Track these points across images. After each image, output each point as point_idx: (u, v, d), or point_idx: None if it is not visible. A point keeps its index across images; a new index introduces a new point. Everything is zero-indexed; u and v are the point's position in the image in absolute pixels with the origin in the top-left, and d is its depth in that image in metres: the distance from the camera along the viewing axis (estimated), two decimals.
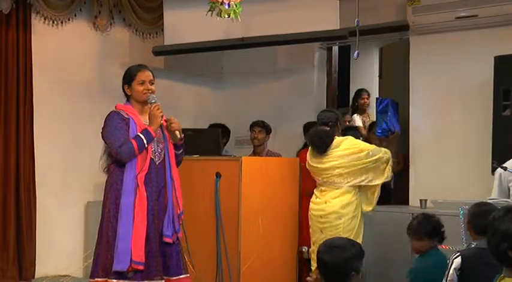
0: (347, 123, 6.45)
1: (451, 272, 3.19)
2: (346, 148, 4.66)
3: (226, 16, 4.85)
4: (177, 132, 3.76)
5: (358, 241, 3.79)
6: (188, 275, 3.80)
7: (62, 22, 6.00)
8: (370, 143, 5.65)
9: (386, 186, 4.90)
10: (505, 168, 4.04)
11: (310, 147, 4.83)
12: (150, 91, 3.73)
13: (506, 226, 2.25)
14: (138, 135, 3.61)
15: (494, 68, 5.00)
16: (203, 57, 6.88)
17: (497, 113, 4.98)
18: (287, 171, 5.14)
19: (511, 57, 4.90)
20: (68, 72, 6.07)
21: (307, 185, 5.04)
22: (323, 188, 4.70)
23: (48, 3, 5.83)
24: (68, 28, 6.06)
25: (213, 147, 5.28)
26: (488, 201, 3.80)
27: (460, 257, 3.20)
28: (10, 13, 5.58)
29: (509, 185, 4.11)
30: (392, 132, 5.54)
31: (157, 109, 3.68)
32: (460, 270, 3.19)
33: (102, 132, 3.71)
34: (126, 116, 3.69)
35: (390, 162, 4.66)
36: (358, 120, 6.98)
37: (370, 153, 4.60)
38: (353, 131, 5.61)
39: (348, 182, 4.60)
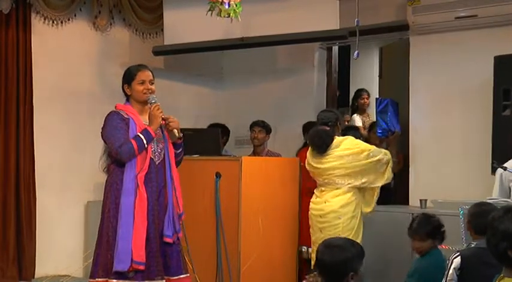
0: (346, 123, 6.44)
1: (450, 271, 3.20)
2: (346, 148, 4.66)
3: (226, 16, 4.85)
4: (175, 131, 3.75)
5: (357, 241, 3.79)
6: (188, 274, 3.80)
7: (62, 22, 6.00)
8: (370, 143, 5.66)
9: (386, 186, 4.90)
10: (505, 168, 4.04)
11: (310, 147, 4.83)
12: (150, 91, 3.73)
13: (505, 226, 2.25)
14: (138, 135, 3.60)
15: (494, 68, 5.00)
16: (203, 57, 6.88)
17: (497, 113, 4.98)
18: (287, 171, 5.14)
19: (511, 57, 4.90)
20: (68, 72, 6.07)
21: (307, 184, 5.04)
22: (323, 188, 4.70)
23: (48, 3, 5.83)
24: (68, 28, 6.06)
25: (213, 147, 5.28)
26: (488, 201, 3.80)
27: (459, 256, 3.20)
28: (10, 13, 5.58)
29: (510, 184, 4.12)
30: (393, 132, 5.53)
31: (158, 109, 3.67)
32: (460, 270, 3.19)
33: (101, 132, 3.70)
34: (125, 116, 3.69)
35: (390, 164, 4.66)
36: (358, 120, 6.98)
37: (371, 154, 4.60)
38: (353, 131, 5.60)
39: (349, 184, 4.60)
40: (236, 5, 4.84)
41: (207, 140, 5.37)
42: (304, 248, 5.17)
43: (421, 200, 5.40)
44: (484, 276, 2.73)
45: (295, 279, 5.16)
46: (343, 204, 4.57)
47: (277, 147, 6.26)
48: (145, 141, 3.60)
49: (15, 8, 5.61)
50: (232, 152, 6.33)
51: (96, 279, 3.60)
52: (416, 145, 5.82)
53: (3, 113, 5.61)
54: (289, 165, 5.22)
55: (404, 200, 5.78)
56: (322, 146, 4.68)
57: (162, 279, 3.63)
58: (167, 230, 3.67)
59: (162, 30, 6.45)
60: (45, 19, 5.89)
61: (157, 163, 3.69)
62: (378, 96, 6.34)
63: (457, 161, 5.55)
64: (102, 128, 3.70)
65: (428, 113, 5.78)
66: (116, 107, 3.77)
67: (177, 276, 3.71)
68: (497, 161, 4.22)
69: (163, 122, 3.73)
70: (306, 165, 4.83)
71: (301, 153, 5.49)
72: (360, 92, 7.22)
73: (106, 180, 3.72)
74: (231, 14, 4.85)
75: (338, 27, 5.58)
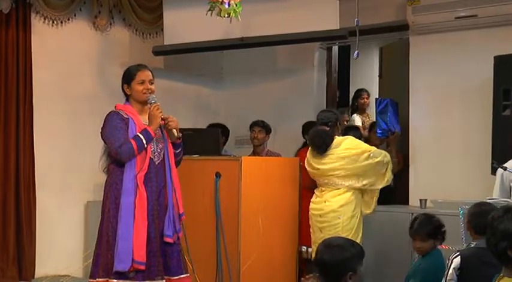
0: (345, 123, 6.45)
1: (450, 271, 3.20)
2: (346, 148, 4.66)
3: (226, 16, 4.85)
4: (175, 131, 3.75)
5: (357, 241, 3.79)
6: (188, 274, 3.80)
7: (61, 22, 6.00)
8: (371, 143, 5.66)
9: (386, 186, 4.90)
10: (505, 168, 4.04)
11: (310, 148, 4.83)
12: (149, 91, 3.72)
13: (505, 225, 2.25)
14: (138, 136, 3.60)
15: (494, 68, 4.99)
16: (203, 57, 6.88)
17: (497, 113, 4.97)
18: (287, 171, 5.14)
19: (511, 57, 4.90)
20: (68, 72, 6.07)
21: (305, 181, 5.04)
22: (323, 188, 4.72)
23: (48, 3, 5.83)
24: (67, 28, 6.06)
25: (212, 147, 5.28)
26: (488, 201, 3.80)
27: (459, 256, 3.21)
28: (10, 13, 5.57)
29: (511, 184, 4.12)
30: (393, 132, 5.54)
31: (157, 109, 3.67)
32: (460, 270, 3.19)
33: (101, 132, 3.70)
34: (125, 116, 3.68)
35: (390, 166, 4.66)
36: (357, 120, 6.99)
37: (371, 155, 4.60)
38: (354, 131, 5.61)
39: (350, 185, 4.60)
40: (236, 5, 4.84)
41: (207, 140, 5.37)
42: (304, 248, 5.17)
43: (421, 200, 5.41)
44: (483, 276, 2.73)
45: (295, 279, 5.16)
46: (342, 204, 4.57)
47: (277, 147, 6.26)
48: (144, 141, 3.60)
49: (15, 8, 5.60)
50: (232, 152, 6.33)
51: (97, 279, 3.59)
52: (416, 145, 5.82)
53: (3, 113, 5.61)
54: (289, 165, 5.21)
55: (404, 200, 5.78)
56: (322, 146, 4.68)
57: (162, 279, 3.62)
58: (167, 229, 3.66)
59: (162, 30, 6.45)
60: (45, 19, 5.88)
61: (156, 163, 3.69)
62: (377, 96, 6.34)
63: (457, 161, 5.55)
64: (102, 128, 3.70)
65: (428, 113, 5.78)
66: (115, 107, 3.77)
67: (177, 276, 3.71)
68: (497, 161, 4.22)
69: (163, 122, 3.73)
70: (306, 165, 4.83)
71: (300, 153, 5.49)
72: (359, 92, 7.23)
73: (106, 180, 3.72)
74: (231, 14, 4.85)
75: (338, 27, 5.58)
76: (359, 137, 5.49)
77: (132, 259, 3.50)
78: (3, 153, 5.59)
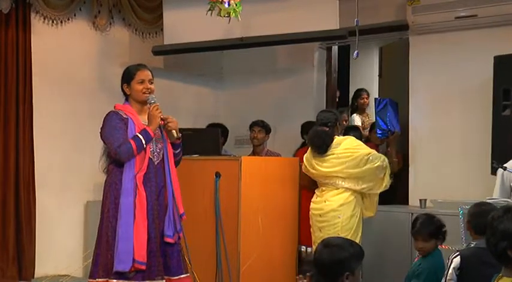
0: (344, 122, 6.45)
1: (450, 271, 3.20)
2: (346, 148, 4.66)
3: (226, 15, 4.84)
4: (174, 132, 3.75)
5: (356, 241, 3.79)
6: (188, 274, 3.80)
7: (61, 22, 6.00)
8: (371, 143, 5.67)
9: None
10: (505, 168, 4.03)
11: (310, 148, 4.83)
12: (149, 90, 3.72)
13: (505, 225, 2.25)
14: (137, 136, 3.60)
15: (494, 68, 4.99)
16: (203, 57, 6.88)
17: (496, 113, 4.97)
18: (287, 171, 5.14)
19: (510, 57, 4.90)
20: (68, 72, 6.07)
21: (303, 181, 5.04)
22: (323, 188, 4.72)
23: (47, 3, 5.83)
24: (67, 28, 6.06)
25: (212, 147, 5.28)
26: (488, 201, 3.80)
27: (459, 256, 3.21)
28: (10, 13, 5.57)
29: (511, 184, 4.12)
30: (392, 132, 5.54)
31: (157, 109, 3.67)
32: (460, 269, 3.19)
33: (100, 132, 3.69)
34: (124, 116, 3.68)
35: (388, 171, 4.67)
36: (357, 119, 6.99)
37: (371, 157, 4.60)
38: (354, 131, 5.61)
39: (349, 187, 4.61)
40: (236, 5, 4.84)
41: (207, 140, 5.37)
42: (303, 248, 5.17)
43: (420, 200, 5.41)
44: (483, 276, 2.73)
45: (295, 279, 5.16)
46: (342, 203, 4.58)
47: (277, 147, 6.27)
48: (144, 142, 3.59)
49: (14, 8, 5.60)
50: (232, 152, 6.33)
51: (96, 280, 3.59)
52: (416, 145, 5.82)
53: (2, 113, 5.61)
54: (288, 165, 5.21)
55: (404, 200, 5.78)
56: (322, 146, 4.68)
57: (162, 279, 3.62)
58: (168, 230, 3.66)
59: (162, 30, 6.45)
60: (44, 19, 5.88)
61: (156, 163, 3.69)
62: (377, 96, 6.34)
63: (457, 161, 5.55)
64: (101, 128, 3.69)
65: (428, 113, 5.78)
66: (114, 107, 3.76)
67: (177, 276, 3.71)
68: (497, 161, 4.22)
69: (162, 122, 3.73)
70: (306, 165, 4.80)
71: (299, 153, 5.49)
72: (359, 92, 7.23)
73: (105, 181, 3.71)
74: (231, 14, 4.84)
75: (338, 27, 5.58)
76: (359, 137, 5.49)
77: (133, 259, 3.49)
78: (3, 153, 5.59)
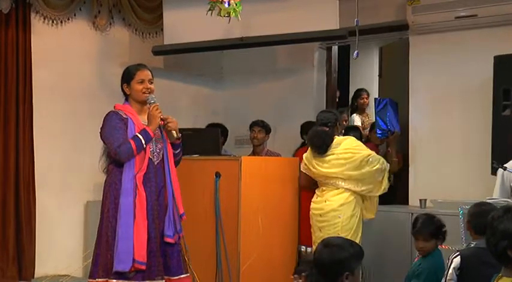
0: (344, 122, 6.45)
1: (450, 271, 3.20)
2: (346, 148, 4.66)
3: (226, 15, 4.84)
4: (174, 132, 3.75)
5: (356, 241, 3.79)
6: (189, 274, 3.80)
7: (61, 22, 6.00)
8: (372, 143, 5.67)
9: None
10: (505, 168, 4.03)
11: (309, 149, 4.83)
12: (149, 90, 3.72)
13: (505, 225, 2.25)
14: (137, 136, 3.60)
15: (494, 68, 4.99)
16: (203, 57, 6.88)
17: (497, 113, 4.97)
18: (287, 171, 5.14)
19: (511, 57, 4.90)
20: (68, 72, 6.07)
21: (302, 181, 5.04)
22: (324, 188, 4.72)
23: (47, 3, 5.83)
24: (67, 28, 6.06)
25: (212, 147, 5.28)
26: (488, 201, 3.80)
27: (459, 256, 3.21)
28: (10, 12, 5.57)
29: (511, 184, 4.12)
30: (392, 132, 5.54)
31: (156, 109, 3.67)
32: (460, 269, 3.19)
33: (100, 132, 3.70)
34: (124, 116, 3.68)
35: (386, 174, 4.67)
36: (357, 120, 6.99)
37: (370, 159, 4.61)
38: (354, 131, 5.62)
39: (349, 188, 4.61)
40: (236, 4, 4.84)
41: (207, 140, 5.37)
42: (303, 248, 5.17)
43: (420, 200, 5.41)
44: (483, 276, 2.73)
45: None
46: (342, 203, 4.58)
47: (277, 147, 6.26)
48: (143, 142, 3.59)
49: (14, 8, 5.60)
50: (232, 152, 6.33)
51: (96, 280, 3.59)
52: (416, 145, 5.82)
53: (2, 113, 5.60)
54: (288, 165, 5.21)
55: (404, 200, 5.78)
56: (322, 146, 4.68)
57: (162, 279, 3.62)
58: (168, 230, 3.66)
59: (162, 30, 6.45)
60: (44, 19, 5.88)
61: (156, 163, 3.69)
62: (377, 96, 6.34)
63: (457, 161, 5.54)
64: (101, 128, 3.69)
65: (428, 112, 5.77)
66: (114, 107, 3.76)
67: (177, 276, 3.71)
68: (497, 161, 4.21)
69: (162, 122, 3.73)
70: (307, 165, 4.80)
71: (298, 153, 5.49)
72: (359, 92, 7.22)
73: (105, 181, 3.71)
74: (231, 13, 4.84)
75: (338, 27, 5.57)
76: (359, 137, 5.49)
77: (133, 259, 3.49)
78: (3, 153, 5.59)
